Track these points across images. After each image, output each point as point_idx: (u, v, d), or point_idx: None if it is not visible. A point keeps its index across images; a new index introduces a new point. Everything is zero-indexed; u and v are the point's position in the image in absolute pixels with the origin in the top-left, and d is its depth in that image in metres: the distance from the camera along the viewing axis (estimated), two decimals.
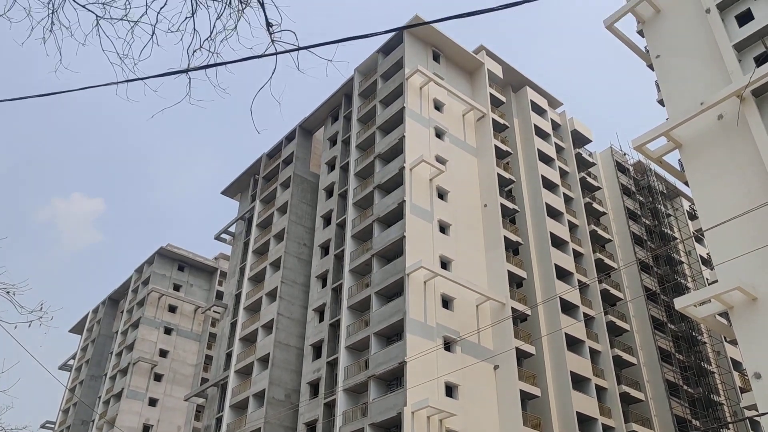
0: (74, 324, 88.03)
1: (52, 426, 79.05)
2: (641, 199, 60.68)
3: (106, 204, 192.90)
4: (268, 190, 58.94)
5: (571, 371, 42.49)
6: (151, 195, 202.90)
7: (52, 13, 6.95)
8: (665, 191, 64.17)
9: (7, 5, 6.64)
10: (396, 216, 43.49)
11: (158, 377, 68.95)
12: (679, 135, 26.36)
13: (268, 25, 6.19)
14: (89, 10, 6.91)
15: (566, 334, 43.88)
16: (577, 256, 51.06)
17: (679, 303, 24.24)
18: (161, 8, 6.79)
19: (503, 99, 54.39)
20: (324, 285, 48.05)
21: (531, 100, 56.09)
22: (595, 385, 44.12)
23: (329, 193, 53.11)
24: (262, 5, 6.32)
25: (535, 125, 54.55)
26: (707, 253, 58.99)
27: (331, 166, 54.58)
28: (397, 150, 46.29)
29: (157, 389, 68.01)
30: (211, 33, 6.72)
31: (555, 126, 58.35)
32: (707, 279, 54.84)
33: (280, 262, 51.16)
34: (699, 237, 58.52)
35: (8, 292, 8.05)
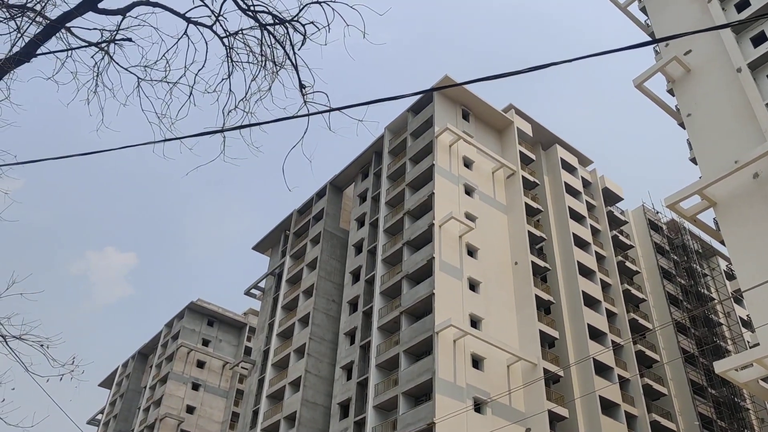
0: (104, 378, 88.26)
1: None
2: (675, 258, 59.48)
3: (139, 258, 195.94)
4: (298, 246, 59.32)
5: None
6: (183, 250, 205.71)
7: (97, 75, 7.28)
8: (700, 250, 62.83)
9: (56, 68, 6.99)
10: (425, 273, 43.25)
11: None
12: (713, 193, 25.99)
13: (301, 86, 6.39)
14: (131, 73, 7.23)
15: (601, 397, 42.43)
16: (611, 315, 49.89)
17: (719, 367, 23.40)
18: (199, 70, 7.07)
19: (533, 157, 54.54)
20: (352, 342, 47.60)
21: (561, 158, 56.11)
22: None
23: (358, 249, 53.23)
24: (296, 68, 6.54)
25: (565, 183, 54.38)
26: (747, 315, 57.17)
27: (361, 223, 54.87)
28: (427, 207, 46.43)
29: None
30: (246, 94, 6.96)
31: (586, 184, 58.09)
32: (748, 342, 52.94)
33: (309, 318, 50.99)
34: (738, 298, 56.85)
35: (42, 345, 8.15)
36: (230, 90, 7.13)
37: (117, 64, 7.27)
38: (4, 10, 7.01)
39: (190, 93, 7.18)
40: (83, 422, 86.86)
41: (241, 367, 66.07)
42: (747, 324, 57.17)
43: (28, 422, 9.42)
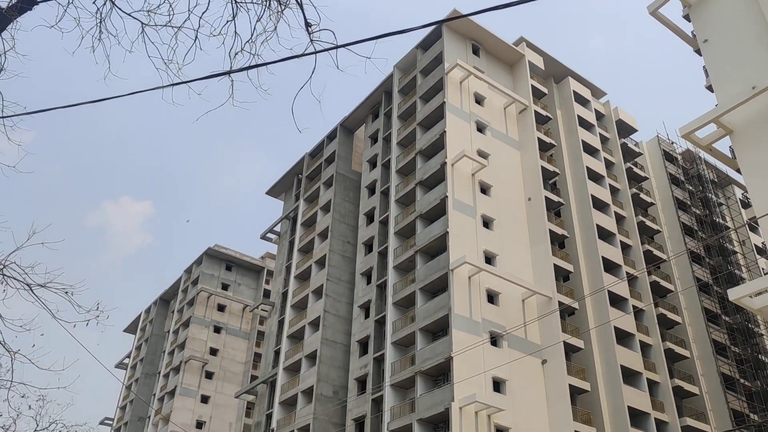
0: (128, 324, 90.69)
1: (111, 423, 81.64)
2: (691, 188, 59.04)
3: (155, 207, 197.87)
4: (311, 189, 59.53)
5: (621, 365, 41.68)
6: (198, 197, 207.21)
7: (100, 22, 7.20)
8: (716, 180, 62.26)
9: (58, 16, 6.92)
10: (439, 212, 43.38)
11: (209, 375, 70.48)
12: (730, 121, 25.53)
13: (307, 24, 6.29)
14: (135, 18, 7.14)
15: (616, 327, 43.04)
16: (625, 248, 50.02)
17: (733, 294, 23.51)
18: (203, 13, 6.97)
19: (545, 90, 53.64)
20: (369, 282, 48.30)
21: (574, 91, 55.16)
22: (647, 379, 43.20)
23: (371, 190, 53.32)
24: (301, 6, 6.43)
25: (578, 116, 53.63)
26: (762, 243, 57.05)
27: (373, 164, 54.77)
28: (439, 146, 46.15)
29: (208, 387, 69.54)
30: (252, 35, 6.86)
31: (599, 116, 57.25)
32: (763, 269, 53.07)
33: (325, 260, 51.64)
34: (753, 225, 56.62)
35: (66, 293, 8.37)
36: (235, 32, 7.04)
37: (119, 9, 7.18)
38: None
39: (196, 37, 7.10)
40: (111, 366, 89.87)
41: (261, 310, 67.51)
42: (762, 251, 57.16)
43: (59, 366, 9.78)
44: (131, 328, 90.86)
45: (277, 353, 53.67)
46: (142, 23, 7.15)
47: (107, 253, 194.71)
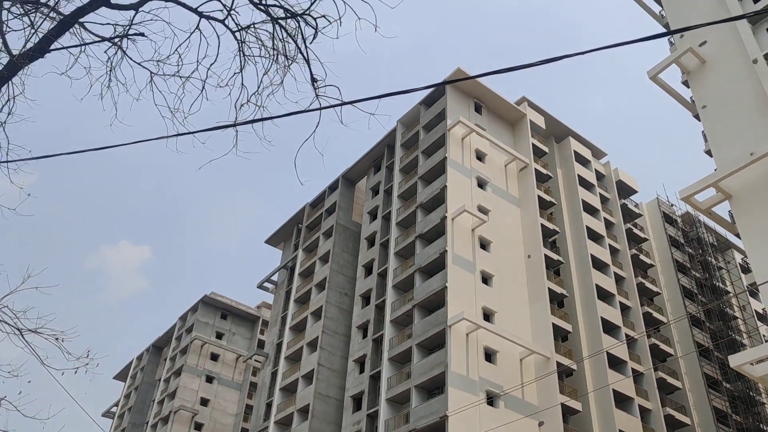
0: (118, 371, 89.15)
1: None
2: (690, 251, 59.00)
3: (153, 252, 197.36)
4: (310, 239, 59.48)
5: (620, 430, 40.73)
6: (197, 244, 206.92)
7: (110, 70, 7.31)
8: (716, 243, 62.27)
9: (69, 64, 7.03)
10: (438, 266, 43.22)
11: (198, 426, 68.81)
12: (729, 186, 25.71)
13: (313, 80, 6.38)
14: (144, 68, 7.26)
15: (614, 390, 42.28)
16: (624, 309, 49.63)
17: (735, 361, 23.20)
18: (211, 65, 7.09)
19: (546, 150, 54.25)
20: (365, 335, 47.72)
21: (574, 151, 55.77)
22: None
23: (371, 242, 53.27)
24: (308, 61, 6.53)
25: (579, 176, 54.06)
26: (763, 309, 56.61)
27: (373, 216, 54.90)
28: (439, 200, 46.36)
29: None
30: (258, 87, 6.96)
31: (599, 176, 57.72)
32: (764, 336, 52.50)
33: (322, 312, 51.16)
34: (753, 291, 56.31)
35: (57, 339, 8.23)
36: (242, 84, 7.14)
37: (130, 58, 7.30)
38: (19, 5, 7.05)
39: (203, 87, 7.20)
40: (98, 415, 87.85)
41: (255, 360, 66.47)
42: (763, 317, 56.67)
43: (44, 414, 9.54)
44: (121, 375, 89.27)
45: (269, 406, 52.57)
46: (151, 72, 7.27)
47: (102, 297, 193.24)
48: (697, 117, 30.59)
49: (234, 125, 6.41)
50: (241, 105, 7.04)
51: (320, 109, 5.91)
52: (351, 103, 5.57)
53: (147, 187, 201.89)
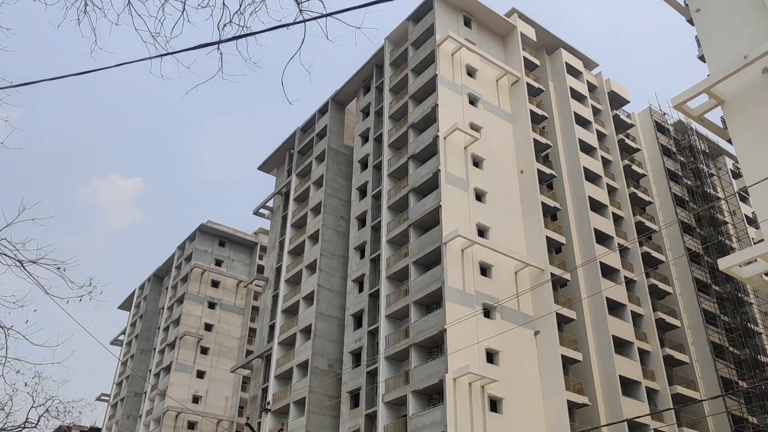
0: (122, 301, 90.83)
1: (107, 398, 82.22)
2: (682, 159, 59.21)
3: (145, 183, 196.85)
4: (303, 164, 59.32)
5: (613, 335, 42.18)
6: (189, 173, 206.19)
7: None
8: (707, 150, 62.44)
9: None
10: (431, 186, 43.38)
11: (204, 350, 70.88)
12: (722, 91, 25.49)
13: None
14: None
15: (607, 298, 43.46)
16: (617, 219, 50.28)
17: (724, 263, 23.69)
18: None
19: (537, 62, 53.36)
20: (362, 256, 48.44)
21: (566, 63, 54.89)
22: (638, 348, 43.77)
23: (364, 165, 53.18)
24: None
25: (570, 88, 53.45)
26: (752, 212, 57.45)
27: (365, 138, 54.54)
28: (431, 119, 45.96)
29: (204, 362, 69.98)
30: (241, 6, 6.77)
31: (591, 88, 57.09)
32: (753, 239, 53.51)
33: (318, 235, 51.69)
34: (743, 195, 56.97)
35: (59, 269, 8.36)
36: (224, 4, 6.93)
37: None
38: None
39: (183, 8, 6.98)
40: (107, 342, 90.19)
41: (255, 285, 67.72)
42: (752, 221, 57.58)
43: (53, 342, 9.81)
44: (125, 305, 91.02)
45: (271, 328, 53.97)
46: None
47: (98, 230, 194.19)
48: (690, 22, 29.96)
49: (218, 43, 6.27)
50: (224, 25, 6.86)
51: (304, 21, 5.77)
52: (334, 14, 5.45)
53: (134, 118, 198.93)
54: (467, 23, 52.17)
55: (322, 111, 60.19)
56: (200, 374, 69.35)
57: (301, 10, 5.93)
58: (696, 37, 29.93)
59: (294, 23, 5.70)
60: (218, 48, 6.55)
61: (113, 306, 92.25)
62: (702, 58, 29.03)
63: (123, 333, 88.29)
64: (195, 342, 70.13)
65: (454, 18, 51.16)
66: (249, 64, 6.84)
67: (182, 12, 6.98)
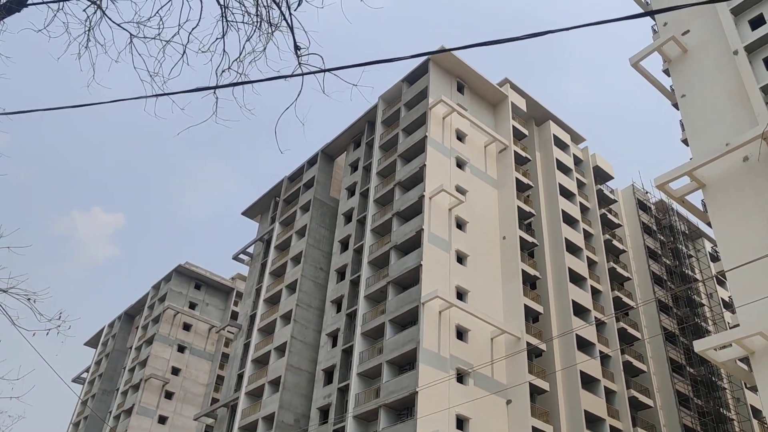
0: (89, 338, 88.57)
1: None
2: (662, 238, 60.02)
3: (126, 219, 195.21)
4: (287, 213, 59.29)
5: (585, 410, 41.66)
6: (172, 213, 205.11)
7: (89, 30, 7.16)
8: (687, 232, 63.42)
9: (47, 20, 6.87)
10: (414, 244, 43.43)
11: (169, 395, 68.87)
12: (703, 175, 26.14)
13: (296, 47, 6.33)
14: (124, 29, 7.12)
15: (581, 371, 43.15)
16: (595, 293, 50.46)
17: (699, 346, 23.79)
18: (193, 29, 6.97)
19: (526, 132, 54.49)
20: (339, 310, 47.93)
21: (554, 135, 56.12)
22: (610, 425, 43.19)
23: (348, 218, 53.27)
24: (291, 29, 6.47)
25: (557, 159, 54.48)
26: (729, 297, 57.96)
27: (351, 192, 54.82)
28: (418, 178, 46.42)
29: (167, 407, 67.89)
30: (240, 54, 6.88)
31: (577, 161, 58.23)
32: (728, 323, 53.82)
33: (296, 285, 51.20)
34: (721, 279, 57.58)
35: (29, 299, 8.16)
36: (224, 50, 7.04)
37: (109, 19, 7.15)
38: None
39: (184, 51, 7.08)
40: (69, 380, 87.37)
41: (227, 331, 66.53)
42: (728, 305, 58.03)
43: (14, 375, 9.48)
44: (92, 342, 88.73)
45: (240, 377, 52.71)
46: (131, 34, 7.13)
47: (73, 263, 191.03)
48: (676, 106, 30.93)
49: (214, 88, 6.33)
50: (223, 71, 6.95)
51: (302, 74, 5.86)
52: (333, 70, 5.54)
53: (122, 154, 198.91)
54: (460, 89, 53.41)
55: (311, 162, 60.61)
56: (162, 419, 67.16)
57: (300, 64, 6.04)
58: (680, 120, 30.84)
59: (292, 75, 5.79)
60: (214, 93, 6.61)
61: (80, 342, 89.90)
62: (685, 141, 29.86)
63: (86, 371, 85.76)
64: (160, 385, 68.21)
65: (447, 83, 52.38)
66: (244, 110, 6.90)
67: (182, 55, 7.07)
